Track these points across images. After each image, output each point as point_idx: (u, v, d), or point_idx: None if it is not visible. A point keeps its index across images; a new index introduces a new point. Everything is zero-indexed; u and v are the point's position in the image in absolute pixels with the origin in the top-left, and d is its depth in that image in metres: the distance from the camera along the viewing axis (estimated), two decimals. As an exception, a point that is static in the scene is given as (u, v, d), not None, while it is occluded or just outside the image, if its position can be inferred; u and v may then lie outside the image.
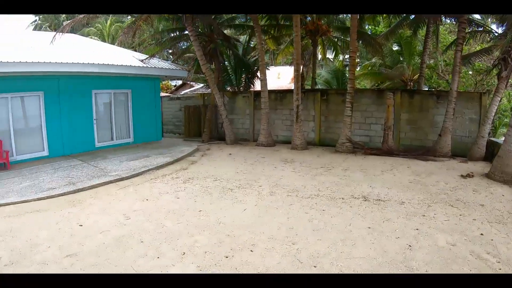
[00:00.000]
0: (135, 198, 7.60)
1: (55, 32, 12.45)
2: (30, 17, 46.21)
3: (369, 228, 5.44)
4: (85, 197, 7.83)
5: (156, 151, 12.90)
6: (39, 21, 42.46)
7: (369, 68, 21.61)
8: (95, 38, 30.53)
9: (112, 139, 14.58)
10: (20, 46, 12.83)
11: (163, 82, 28.64)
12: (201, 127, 16.63)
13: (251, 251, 4.81)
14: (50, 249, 5.25)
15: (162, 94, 24.02)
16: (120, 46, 16.48)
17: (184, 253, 4.86)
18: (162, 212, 6.63)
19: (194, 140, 16.05)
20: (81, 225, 6.16)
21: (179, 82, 29.04)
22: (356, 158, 11.00)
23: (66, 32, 12.77)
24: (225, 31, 17.68)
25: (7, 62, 10.33)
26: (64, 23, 16.79)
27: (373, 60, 21.27)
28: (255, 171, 9.65)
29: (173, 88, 30.45)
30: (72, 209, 7.09)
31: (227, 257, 4.67)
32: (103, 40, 30.84)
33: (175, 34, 15.99)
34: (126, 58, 14.57)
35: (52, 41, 11.74)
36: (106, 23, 32.80)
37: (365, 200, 6.79)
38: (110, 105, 14.43)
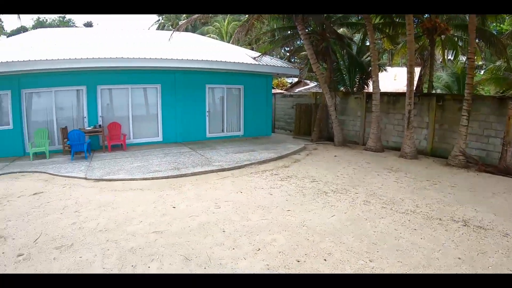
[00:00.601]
0: (230, 190, 7.79)
1: (172, 31, 13.48)
2: (154, 17, 50.41)
3: (459, 258, 4.66)
4: (185, 182, 8.31)
5: (262, 146, 13.10)
6: (162, 21, 46.35)
7: (493, 72, 19.17)
8: (214, 36, 32.18)
9: (222, 131, 15.34)
10: (143, 44, 14.49)
11: (279, 79, 28.96)
12: (311, 126, 16.52)
13: (325, 260, 4.53)
14: (141, 223, 5.73)
15: (277, 90, 24.35)
16: (236, 44, 17.05)
17: (259, 249, 4.81)
18: (252, 206, 6.67)
19: (303, 138, 15.98)
20: (174, 207, 6.55)
21: (296, 80, 29.12)
22: (468, 174, 9.74)
23: (183, 31, 13.87)
24: (339, 30, 17.25)
25: (128, 58, 11.79)
26: (180, 23, 17.99)
27: (498, 63, 18.87)
28: (355, 177, 9.18)
29: (288, 85, 30.62)
30: (170, 191, 7.58)
31: (298, 261, 4.47)
32: (221, 38, 32.21)
33: (288, 33, 16.01)
34: (238, 56, 15.12)
35: (169, 39, 12.80)
36: (224, 21, 33.91)
37: (465, 225, 5.87)
38: (222, 99, 15.18)
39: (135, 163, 10.10)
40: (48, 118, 12.27)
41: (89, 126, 12.30)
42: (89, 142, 11.36)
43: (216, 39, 30.47)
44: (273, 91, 21.67)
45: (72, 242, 5.03)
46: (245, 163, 10.18)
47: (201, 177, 8.92)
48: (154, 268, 4.33)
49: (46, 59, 11.07)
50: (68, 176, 8.84)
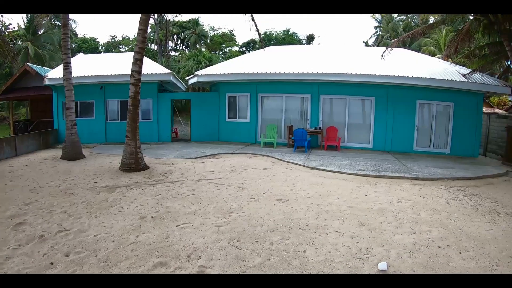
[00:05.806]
0: (415, 193, 8.92)
1: (384, 49, 15.06)
2: (371, 29, 52.11)
3: None
4: (380, 182, 10.09)
5: (463, 166, 13.19)
6: (380, 33, 48.81)
7: None
8: (431, 48, 32.08)
9: (429, 146, 16.13)
10: (358, 59, 17.59)
11: (501, 97, 26.75)
12: (523, 152, 15.34)
13: (459, 252, 5.61)
14: (338, 199, 8.08)
15: (495, 110, 23.06)
16: (449, 59, 17.02)
17: (415, 232, 6.28)
18: (426, 207, 7.66)
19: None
20: (366, 195, 8.52)
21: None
22: None
23: (400, 43, 15.66)
24: None
25: (346, 73, 15.12)
26: (392, 41, 19.32)
27: None
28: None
29: (510, 104, 27.60)
30: (366, 185, 9.60)
31: (439, 247, 5.72)
32: (439, 50, 31.49)
33: (499, 48, 14.71)
34: (448, 72, 15.71)
35: (382, 56, 14.57)
36: (442, 33, 32.46)
37: None
38: (431, 115, 15.99)
39: (344, 161, 12.58)
40: (277, 117, 16.74)
41: (311, 127, 15.74)
42: (310, 140, 14.57)
43: (434, 51, 31.09)
44: (491, 110, 20.87)
45: (288, 199, 7.98)
46: (439, 177, 10.91)
47: (395, 180, 10.37)
48: (336, 224, 6.47)
49: (279, 72, 15.52)
50: (290, 162, 12.20)
